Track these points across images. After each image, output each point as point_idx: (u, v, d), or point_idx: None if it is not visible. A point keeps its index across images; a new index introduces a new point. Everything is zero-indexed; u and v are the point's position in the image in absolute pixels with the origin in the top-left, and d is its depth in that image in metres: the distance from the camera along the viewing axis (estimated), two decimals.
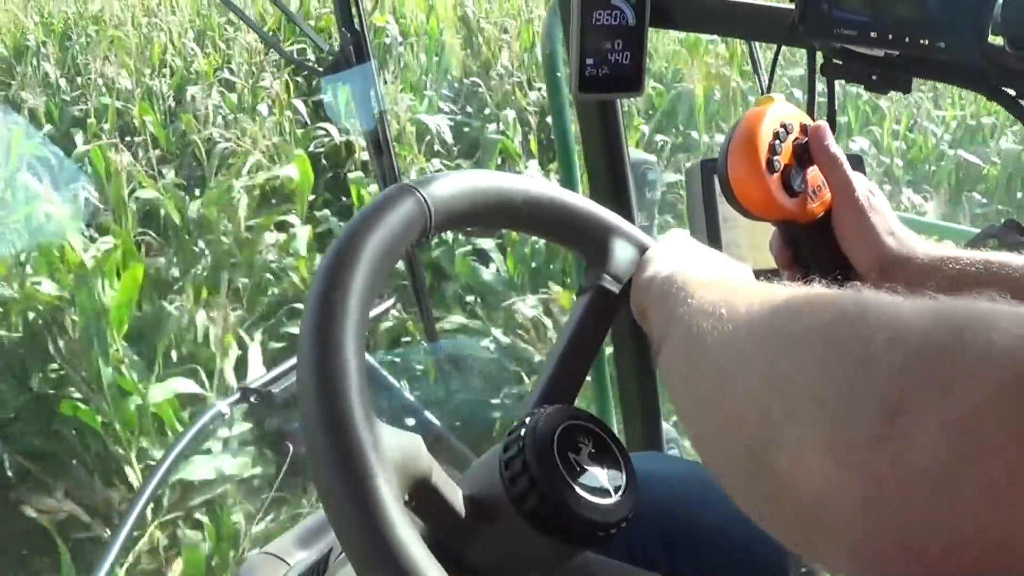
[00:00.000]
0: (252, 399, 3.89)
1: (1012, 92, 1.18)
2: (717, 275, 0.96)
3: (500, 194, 0.94)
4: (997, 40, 1.15)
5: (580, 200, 1.03)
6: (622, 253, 1.03)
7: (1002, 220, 1.52)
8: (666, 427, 2.02)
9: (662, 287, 0.92)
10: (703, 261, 1.02)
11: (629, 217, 1.71)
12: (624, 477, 0.83)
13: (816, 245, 1.20)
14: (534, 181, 0.96)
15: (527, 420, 0.82)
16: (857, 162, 1.42)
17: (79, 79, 7.48)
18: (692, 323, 0.77)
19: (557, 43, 2.22)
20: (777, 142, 1.15)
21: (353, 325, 0.75)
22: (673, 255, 1.01)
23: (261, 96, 6.77)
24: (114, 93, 6.89)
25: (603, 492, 0.81)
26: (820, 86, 1.34)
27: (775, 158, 1.14)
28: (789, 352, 0.61)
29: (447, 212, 0.88)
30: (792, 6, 1.22)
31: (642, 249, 1.04)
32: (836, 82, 1.31)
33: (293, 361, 4.03)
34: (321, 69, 2.31)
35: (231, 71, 7.55)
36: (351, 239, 0.80)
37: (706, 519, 1.24)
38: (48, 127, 6.52)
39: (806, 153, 1.17)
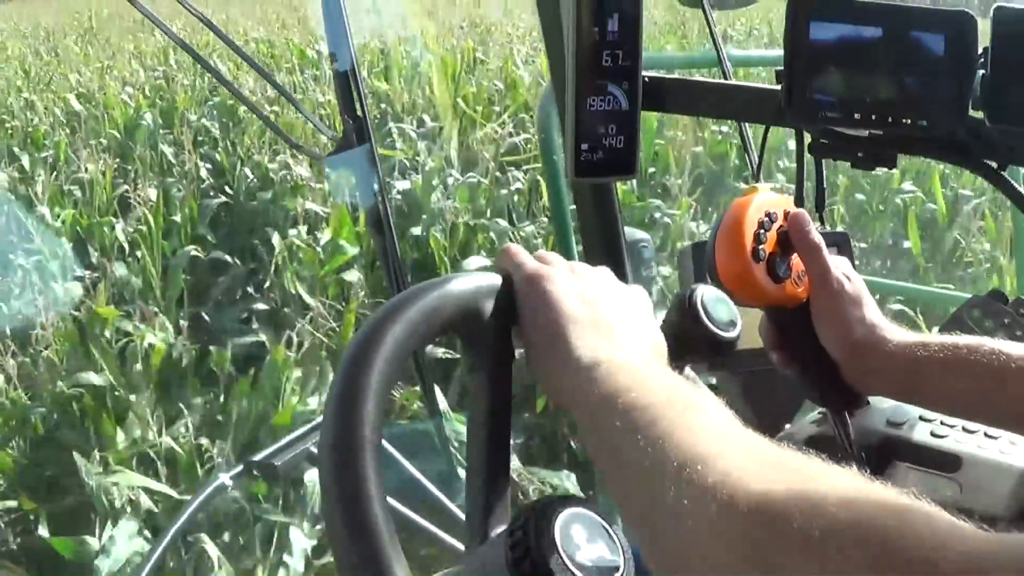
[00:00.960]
0: (255, 472, 3.90)
1: (994, 164, 1.21)
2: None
3: None
4: (978, 115, 1.19)
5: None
6: None
7: (987, 290, 1.55)
8: None
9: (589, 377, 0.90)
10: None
11: None
12: (621, 557, 0.82)
13: (801, 329, 1.25)
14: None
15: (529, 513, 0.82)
16: (842, 240, 1.46)
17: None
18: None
19: (552, 128, 2.26)
20: (762, 231, 1.19)
21: (373, 408, 0.80)
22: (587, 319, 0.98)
23: None
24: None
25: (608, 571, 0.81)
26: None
27: (760, 247, 1.19)
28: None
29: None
30: (777, 87, 1.26)
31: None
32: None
33: (296, 434, 4.04)
34: (320, 152, 2.35)
35: None
36: (375, 330, 0.85)
37: None
38: None
39: (790, 240, 1.21)
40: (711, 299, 1.03)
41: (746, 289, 1.20)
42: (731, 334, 1.03)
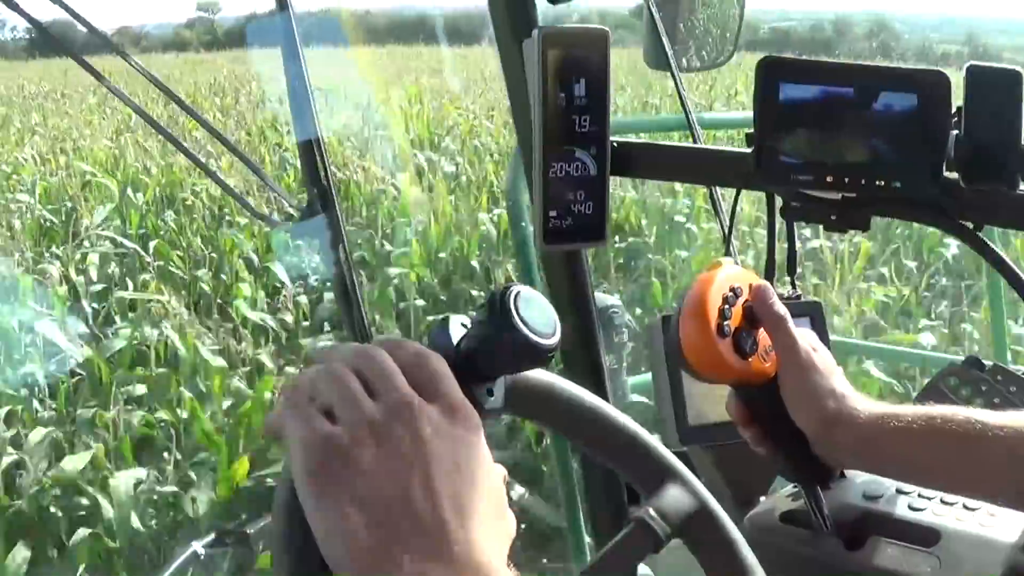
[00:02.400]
0: (228, 540, 3.86)
1: (970, 224, 1.19)
2: None
3: (574, 402, 1.02)
4: (953, 175, 1.17)
5: (647, 436, 1.06)
6: (676, 498, 1.03)
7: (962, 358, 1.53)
8: None
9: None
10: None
11: (597, 361, 1.71)
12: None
13: (770, 404, 1.21)
14: (608, 405, 1.02)
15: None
16: (815, 309, 1.44)
17: None
18: None
19: (520, 195, 2.24)
20: (727, 306, 1.16)
21: None
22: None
23: None
24: None
25: None
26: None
27: (725, 323, 1.16)
28: None
29: (523, 394, 0.97)
30: (747, 150, 1.24)
31: (699, 499, 1.05)
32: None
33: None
34: (279, 220, 2.32)
35: None
36: None
37: None
38: None
39: (756, 314, 1.19)
40: (527, 299, 0.87)
41: (712, 366, 1.17)
42: (549, 341, 0.86)
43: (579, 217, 1.29)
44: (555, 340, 0.87)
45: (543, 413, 1.02)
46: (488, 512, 0.73)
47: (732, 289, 1.18)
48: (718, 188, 1.85)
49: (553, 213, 1.27)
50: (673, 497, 1.02)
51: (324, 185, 2.15)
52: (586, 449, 1.07)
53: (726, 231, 1.49)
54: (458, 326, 0.88)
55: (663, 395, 1.49)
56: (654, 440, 1.04)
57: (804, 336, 1.21)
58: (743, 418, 1.25)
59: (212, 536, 3.92)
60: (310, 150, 2.11)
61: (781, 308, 1.19)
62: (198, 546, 3.79)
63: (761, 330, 1.19)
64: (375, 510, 0.69)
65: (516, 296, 0.86)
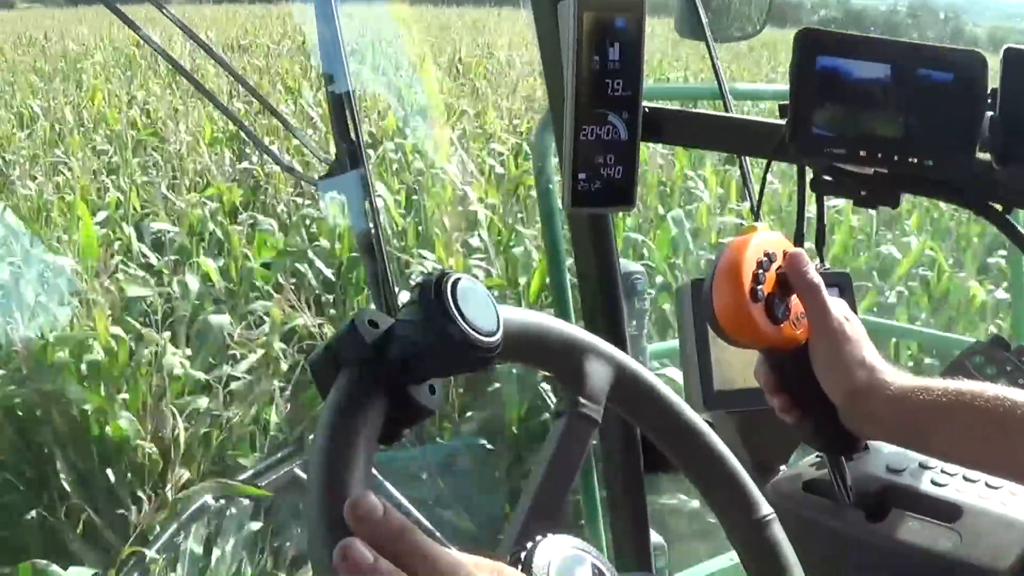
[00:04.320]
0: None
1: (999, 207, 1.19)
2: None
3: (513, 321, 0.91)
4: (984, 156, 1.16)
5: (550, 320, 0.97)
6: (596, 372, 0.97)
7: (988, 338, 1.52)
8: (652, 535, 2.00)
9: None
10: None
11: (619, 327, 1.71)
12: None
13: (799, 372, 1.21)
14: (504, 308, 0.87)
15: (523, 554, 0.81)
16: (844, 280, 1.43)
17: None
18: None
19: (548, 157, 2.24)
20: (761, 271, 1.16)
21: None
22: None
23: None
24: None
25: None
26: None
27: (759, 287, 1.15)
28: None
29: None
30: (780, 121, 1.24)
31: (618, 367, 0.98)
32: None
33: (279, 455, 4.01)
34: (316, 177, 2.32)
35: None
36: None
37: None
38: None
39: (789, 281, 1.18)
40: (466, 289, 0.77)
41: (743, 330, 1.17)
42: (492, 339, 0.78)
43: (608, 181, 1.28)
44: (498, 338, 0.79)
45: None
46: None
47: (766, 254, 1.18)
48: (747, 159, 1.85)
49: (582, 176, 1.27)
50: (593, 372, 0.96)
51: (354, 141, 2.16)
52: (503, 360, 0.94)
53: (755, 202, 1.49)
54: (368, 327, 0.77)
55: (689, 359, 1.50)
56: (561, 322, 0.98)
57: (837, 305, 1.21)
58: (771, 385, 1.24)
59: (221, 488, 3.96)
60: (341, 105, 2.11)
61: (815, 276, 1.18)
62: (208, 497, 3.83)
63: (793, 297, 1.19)
64: None
65: (454, 284, 0.77)
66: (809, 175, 1.29)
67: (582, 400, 0.94)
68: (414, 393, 0.77)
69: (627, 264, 2.04)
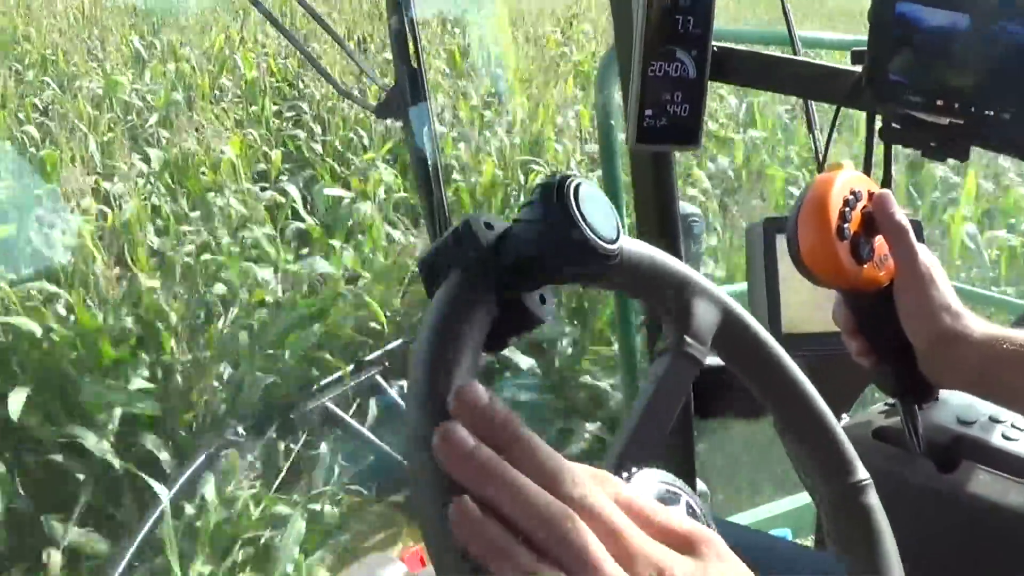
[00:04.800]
0: (272, 424, 3.96)
1: None
2: None
3: None
4: None
5: (661, 255, 0.93)
6: (703, 313, 0.94)
7: None
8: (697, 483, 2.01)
9: None
10: None
11: None
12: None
13: (879, 315, 1.19)
14: (636, 241, 0.88)
15: None
16: (915, 228, 1.41)
17: None
18: None
19: (611, 92, 2.22)
20: (847, 209, 1.14)
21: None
22: None
23: None
24: None
25: None
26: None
27: (845, 225, 1.13)
28: None
29: None
30: (852, 67, 1.22)
31: (726, 312, 0.95)
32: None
33: (313, 388, 4.05)
34: (369, 102, 2.32)
35: None
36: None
37: None
38: None
39: (875, 221, 1.16)
40: (588, 194, 0.74)
41: (828, 268, 1.15)
42: (613, 245, 0.75)
43: (674, 119, 1.27)
44: (619, 246, 0.76)
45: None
46: None
47: (853, 192, 1.16)
48: (814, 104, 1.82)
49: (648, 112, 1.26)
50: (700, 313, 0.93)
51: (415, 70, 2.14)
52: (608, 286, 0.94)
53: (822, 148, 1.47)
54: (483, 227, 0.74)
55: (757, 301, 1.49)
56: (675, 260, 0.94)
57: (922, 250, 1.18)
58: (850, 327, 1.23)
59: (254, 420, 4.03)
60: (403, 34, 2.10)
61: (903, 218, 1.16)
62: (239, 427, 3.90)
63: (878, 238, 1.17)
64: None
65: (576, 188, 0.74)
66: (878, 124, 1.27)
67: (688, 339, 0.91)
68: (526, 300, 0.75)
69: (685, 206, 2.02)
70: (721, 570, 0.62)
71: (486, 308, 0.71)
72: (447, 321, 0.69)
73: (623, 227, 0.76)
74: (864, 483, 0.98)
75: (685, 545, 0.62)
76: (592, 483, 0.60)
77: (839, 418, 1.44)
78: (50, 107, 7.96)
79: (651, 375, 0.91)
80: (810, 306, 1.43)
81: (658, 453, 0.86)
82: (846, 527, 0.97)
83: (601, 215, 0.74)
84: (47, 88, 8.54)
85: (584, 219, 0.72)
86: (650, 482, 0.80)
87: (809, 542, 2.33)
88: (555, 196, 0.72)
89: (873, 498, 0.98)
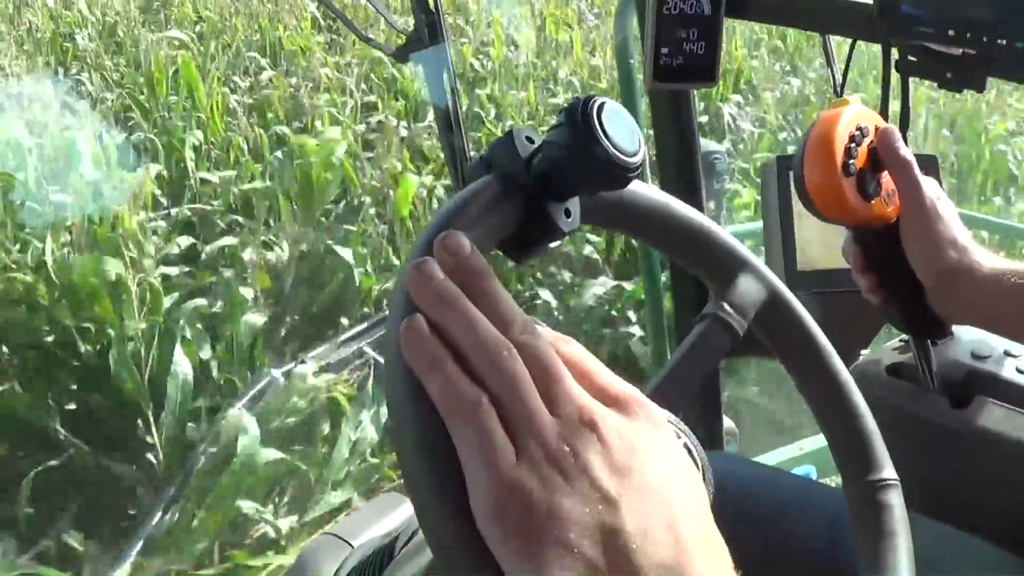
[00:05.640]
0: (308, 365, 3.97)
1: None
2: None
3: (644, 203, 0.92)
4: None
5: (713, 226, 0.97)
6: (749, 289, 0.96)
7: None
8: (725, 420, 2.02)
9: None
10: None
11: (699, 208, 1.70)
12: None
13: (888, 251, 1.19)
14: (677, 200, 0.93)
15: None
16: (930, 163, 1.41)
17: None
18: None
19: (629, 31, 2.21)
20: (853, 145, 1.14)
21: None
22: None
23: None
24: None
25: None
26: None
27: (851, 161, 1.13)
28: None
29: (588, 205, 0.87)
30: (866, 0, 1.22)
31: (771, 291, 0.97)
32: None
33: (351, 332, 4.06)
34: (394, 49, 2.32)
35: None
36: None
37: (781, 523, 1.23)
38: None
39: (880, 157, 1.16)
40: (611, 112, 0.78)
41: (835, 204, 1.15)
42: (635, 159, 0.78)
43: (690, 56, 1.27)
44: (640, 157, 0.79)
45: (612, 217, 0.93)
46: (708, 525, 0.63)
47: (859, 128, 1.15)
48: (831, 37, 1.82)
49: (664, 51, 1.26)
50: (745, 288, 0.95)
51: (433, 12, 2.15)
52: (657, 248, 0.99)
53: (839, 81, 1.47)
54: (524, 141, 0.80)
55: (772, 239, 1.50)
56: (724, 232, 0.97)
57: (928, 184, 1.18)
58: (859, 264, 1.23)
59: (295, 363, 4.04)
60: None
61: (907, 152, 1.16)
62: (277, 372, 3.92)
63: (885, 174, 1.17)
64: (583, 555, 0.56)
65: (600, 107, 0.77)
66: (895, 56, 1.27)
67: (728, 308, 0.93)
68: (552, 210, 0.79)
69: (707, 143, 2.02)
70: (648, 434, 0.63)
71: (511, 210, 0.77)
72: (465, 201, 0.75)
73: (646, 144, 0.79)
74: (890, 482, 0.98)
75: (618, 403, 0.64)
76: (543, 335, 0.64)
77: (856, 356, 1.45)
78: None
79: (687, 338, 0.93)
80: (824, 244, 1.44)
81: (677, 411, 0.87)
82: (866, 522, 0.98)
83: (623, 132, 0.77)
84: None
85: (606, 135, 0.75)
86: None
87: (832, 482, 2.34)
88: (580, 114, 0.76)
89: (896, 498, 0.98)
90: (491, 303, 0.64)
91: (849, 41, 1.40)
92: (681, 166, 1.70)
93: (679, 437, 0.79)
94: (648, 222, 0.93)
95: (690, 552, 0.59)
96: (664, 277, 2.30)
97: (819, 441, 2.81)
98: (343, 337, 4.24)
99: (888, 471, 0.98)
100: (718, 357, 0.94)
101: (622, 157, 0.76)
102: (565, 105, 0.78)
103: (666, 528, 0.59)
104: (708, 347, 0.93)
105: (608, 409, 0.63)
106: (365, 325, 4.30)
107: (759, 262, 0.98)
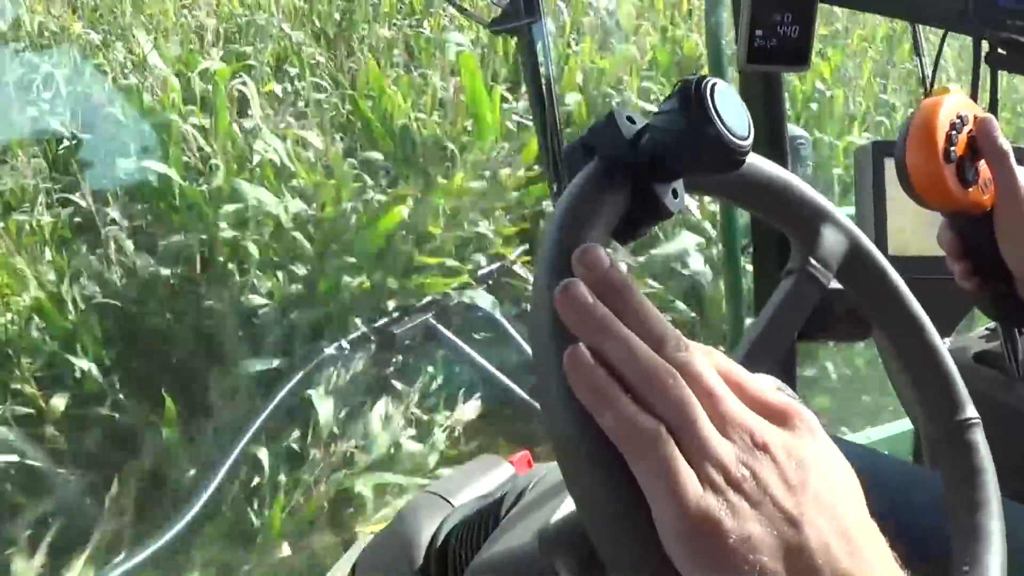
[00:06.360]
0: (373, 338, 4.00)
1: None
2: None
3: None
4: None
5: (795, 180, 0.96)
6: (832, 240, 0.95)
7: None
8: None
9: None
10: None
11: None
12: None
13: (983, 238, 1.20)
14: (757, 156, 0.89)
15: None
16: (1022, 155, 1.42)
17: None
18: None
19: (721, 12, 2.23)
20: (954, 132, 1.15)
21: None
22: None
23: None
24: None
25: None
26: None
27: (951, 148, 1.14)
28: None
29: None
30: None
31: (854, 242, 0.97)
32: None
33: (417, 305, 4.07)
34: (490, 20, 2.34)
35: None
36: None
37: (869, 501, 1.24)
38: None
39: (979, 145, 1.17)
40: (723, 93, 0.75)
41: (935, 190, 1.16)
42: (746, 142, 0.76)
43: (784, 40, 1.29)
44: (750, 141, 0.76)
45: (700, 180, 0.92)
46: (872, 525, 0.65)
47: (959, 116, 1.17)
48: (921, 28, 1.82)
49: (759, 33, 1.28)
50: (828, 239, 0.95)
51: None
52: (740, 203, 0.99)
53: (929, 72, 1.48)
54: (626, 122, 0.77)
55: (865, 224, 1.50)
56: (806, 185, 0.96)
57: None
58: (954, 250, 1.24)
59: (358, 332, 4.06)
60: None
61: (1005, 143, 1.17)
62: (343, 341, 3.94)
63: (982, 163, 1.18)
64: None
65: (713, 88, 0.74)
66: (985, 48, 1.28)
67: (813, 262, 0.93)
68: (659, 191, 0.77)
69: (793, 128, 2.02)
70: (812, 446, 0.64)
71: (620, 195, 0.76)
72: (580, 199, 0.74)
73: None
74: (972, 421, 0.98)
75: (778, 417, 0.65)
76: (695, 350, 0.64)
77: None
78: None
79: (774, 295, 0.93)
80: (916, 229, 1.45)
81: (768, 370, 0.87)
82: (949, 462, 0.98)
83: (735, 114, 0.75)
84: None
85: (719, 116, 0.74)
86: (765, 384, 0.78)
87: None
88: (692, 94, 0.74)
89: (979, 436, 0.98)
90: (640, 320, 0.64)
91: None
92: (770, 150, 1.72)
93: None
94: (734, 177, 0.91)
95: (865, 558, 0.61)
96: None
97: (888, 429, 2.81)
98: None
99: (971, 410, 0.98)
100: (806, 312, 0.94)
101: (736, 140, 0.75)
102: (676, 85, 0.76)
103: (842, 538, 0.61)
104: (797, 303, 0.93)
105: (772, 425, 0.64)
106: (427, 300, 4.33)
107: (839, 212, 0.98)
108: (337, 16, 6.87)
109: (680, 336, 0.64)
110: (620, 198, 0.76)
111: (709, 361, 0.65)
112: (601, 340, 0.62)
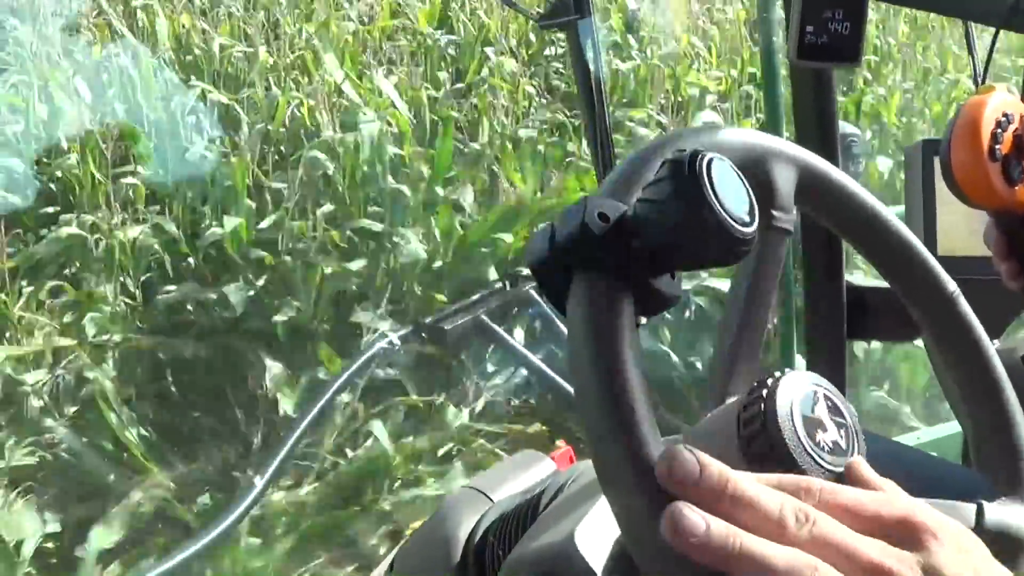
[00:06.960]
0: (424, 334, 4.02)
1: None
2: None
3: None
4: None
5: (758, 135, 0.86)
6: (783, 178, 0.85)
7: None
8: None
9: None
10: None
11: None
12: (850, 441, 0.74)
13: None
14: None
15: (760, 404, 0.72)
16: None
17: None
18: None
19: (773, 7, 2.23)
20: (999, 131, 1.14)
21: None
22: None
23: None
24: None
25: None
26: None
27: (997, 146, 1.14)
28: None
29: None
30: None
31: (802, 168, 0.87)
32: None
33: (468, 301, 4.09)
34: (538, 15, 2.34)
35: None
36: None
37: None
38: None
39: None
40: (721, 170, 0.66)
41: (980, 188, 1.16)
42: (748, 229, 0.66)
43: (835, 36, 1.29)
44: (755, 228, 0.67)
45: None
46: None
47: (1004, 115, 1.16)
48: (973, 25, 1.81)
49: (810, 28, 1.28)
50: (782, 180, 0.86)
51: None
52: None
53: (980, 69, 1.47)
54: (595, 219, 0.66)
55: (914, 223, 1.51)
56: (743, 131, 0.85)
57: None
58: (1001, 249, 1.23)
59: (409, 327, 4.09)
60: None
61: None
62: (394, 336, 3.97)
63: None
64: None
65: (709, 164, 0.65)
66: None
67: (774, 213, 0.85)
68: (657, 284, 0.68)
69: (844, 125, 2.02)
70: (948, 558, 0.59)
71: (628, 310, 0.66)
72: (607, 357, 0.64)
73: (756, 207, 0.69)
74: (955, 293, 0.97)
75: (903, 532, 0.59)
76: (808, 506, 0.59)
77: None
78: None
79: (744, 261, 0.84)
80: (967, 229, 1.45)
81: (760, 342, 0.87)
82: (948, 337, 0.96)
83: (734, 191, 0.67)
84: None
85: (717, 198, 0.65)
86: (801, 384, 0.75)
87: None
88: (686, 173, 0.65)
89: (965, 306, 0.97)
90: (755, 509, 0.57)
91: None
92: (821, 146, 1.71)
93: (832, 401, 0.75)
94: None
95: None
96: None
97: (934, 432, 2.80)
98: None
99: (952, 284, 0.97)
100: (778, 266, 0.88)
101: (736, 225, 0.66)
102: (665, 160, 0.67)
103: None
104: (767, 262, 0.87)
105: (903, 553, 0.58)
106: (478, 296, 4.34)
107: (783, 143, 0.87)
108: None
109: (786, 502, 0.58)
110: (628, 313, 0.66)
111: (822, 502, 0.60)
112: (729, 565, 0.55)
